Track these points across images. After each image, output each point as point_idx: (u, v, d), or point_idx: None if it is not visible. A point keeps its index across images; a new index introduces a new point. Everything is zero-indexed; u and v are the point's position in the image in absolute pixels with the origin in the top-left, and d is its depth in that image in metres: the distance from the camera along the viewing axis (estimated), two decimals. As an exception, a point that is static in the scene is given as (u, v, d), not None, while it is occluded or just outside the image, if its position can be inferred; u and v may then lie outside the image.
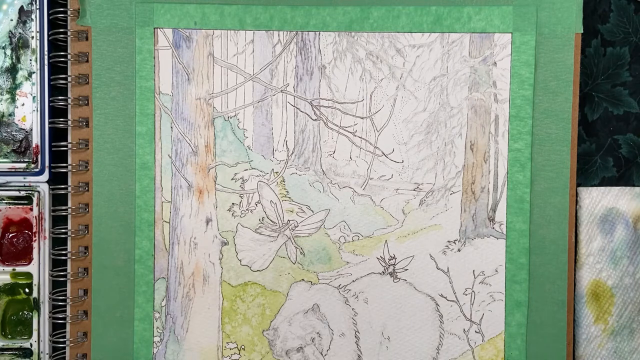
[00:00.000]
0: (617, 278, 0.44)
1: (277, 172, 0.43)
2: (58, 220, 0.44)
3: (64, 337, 0.43)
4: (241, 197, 0.43)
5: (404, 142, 0.43)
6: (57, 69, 0.43)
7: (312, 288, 0.44)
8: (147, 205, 0.43)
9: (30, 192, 0.43)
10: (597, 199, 0.44)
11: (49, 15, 0.42)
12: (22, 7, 0.43)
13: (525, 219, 0.43)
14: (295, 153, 0.43)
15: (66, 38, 0.42)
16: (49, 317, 0.43)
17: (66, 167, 0.43)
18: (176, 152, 0.43)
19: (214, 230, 0.43)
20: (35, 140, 0.43)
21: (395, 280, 0.44)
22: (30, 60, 0.43)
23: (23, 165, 0.43)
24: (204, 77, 0.43)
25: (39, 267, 0.43)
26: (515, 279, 0.43)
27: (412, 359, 0.44)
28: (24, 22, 0.43)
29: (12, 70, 0.43)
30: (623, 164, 0.45)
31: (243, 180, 0.43)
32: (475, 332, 0.44)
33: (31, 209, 0.43)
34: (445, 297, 0.44)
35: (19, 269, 0.43)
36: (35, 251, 0.43)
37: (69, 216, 0.43)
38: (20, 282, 0.43)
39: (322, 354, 0.44)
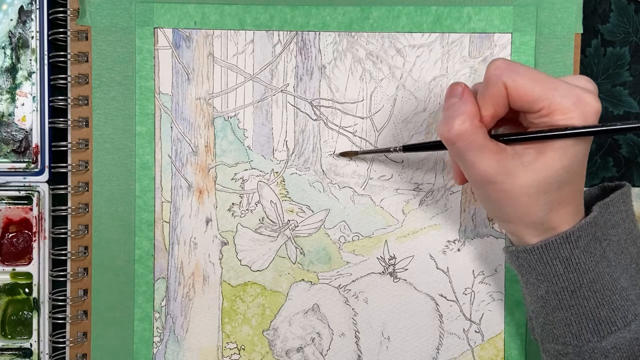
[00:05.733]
0: (617, 278, 0.44)
1: (277, 172, 0.43)
2: (58, 220, 0.44)
3: (64, 337, 0.43)
4: (241, 197, 0.43)
5: (404, 142, 0.43)
6: (57, 69, 0.43)
7: (312, 288, 0.44)
8: (147, 205, 0.43)
9: (30, 192, 0.43)
10: (596, 199, 0.44)
11: (48, 15, 0.42)
12: (22, 7, 0.43)
13: (525, 219, 0.43)
14: (295, 153, 0.43)
15: (66, 38, 0.42)
16: (49, 317, 0.43)
17: (66, 167, 0.43)
18: (176, 152, 0.43)
19: (214, 230, 0.43)
20: (35, 140, 0.43)
21: (395, 280, 0.44)
22: (30, 60, 0.43)
23: (23, 165, 0.43)
24: (204, 77, 0.43)
25: (38, 267, 0.43)
26: (514, 278, 0.43)
27: (412, 359, 0.44)
28: (24, 22, 0.43)
29: (12, 70, 0.43)
30: (623, 164, 0.45)
31: (243, 180, 0.43)
32: (475, 331, 0.44)
33: (31, 209, 0.43)
34: (445, 297, 0.44)
35: (18, 269, 0.43)
36: (35, 251, 0.43)
37: (69, 216, 0.43)
38: (20, 282, 0.43)
39: (322, 354, 0.44)
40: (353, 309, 0.44)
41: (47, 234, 0.43)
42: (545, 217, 0.33)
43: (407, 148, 0.39)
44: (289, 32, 0.43)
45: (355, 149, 0.43)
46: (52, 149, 0.43)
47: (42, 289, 0.43)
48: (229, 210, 0.43)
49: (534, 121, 0.32)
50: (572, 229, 0.33)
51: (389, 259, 0.44)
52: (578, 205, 0.34)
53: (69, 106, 0.43)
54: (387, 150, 0.41)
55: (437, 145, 0.36)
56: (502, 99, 0.32)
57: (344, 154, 0.43)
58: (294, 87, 0.43)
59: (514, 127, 0.35)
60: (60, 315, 0.43)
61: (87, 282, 0.43)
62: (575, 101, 0.31)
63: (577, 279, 0.33)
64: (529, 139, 0.32)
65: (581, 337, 0.34)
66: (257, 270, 0.44)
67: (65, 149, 0.43)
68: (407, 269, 0.44)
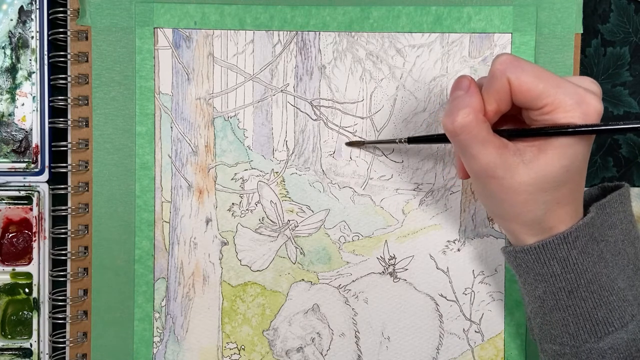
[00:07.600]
0: (617, 278, 0.44)
1: (277, 172, 0.43)
2: (58, 220, 0.44)
3: (64, 337, 0.43)
4: (241, 197, 0.43)
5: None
6: (57, 69, 0.43)
7: (312, 288, 0.44)
8: (147, 205, 0.43)
9: (30, 192, 0.43)
10: (596, 199, 0.44)
11: (48, 15, 0.42)
12: (22, 7, 0.43)
13: (525, 219, 0.43)
14: (295, 153, 0.43)
15: (66, 38, 0.42)
16: (49, 317, 0.43)
17: (66, 167, 0.43)
18: (176, 152, 0.43)
19: (214, 230, 0.43)
20: (35, 140, 0.43)
21: (395, 280, 0.44)
22: (30, 60, 0.43)
23: (23, 165, 0.43)
24: (204, 77, 0.43)
25: (38, 267, 0.43)
26: (514, 278, 0.43)
27: (412, 359, 0.44)
28: (24, 22, 0.43)
29: (12, 70, 0.43)
30: (623, 164, 0.45)
31: (243, 180, 0.43)
32: (475, 331, 0.44)
33: (31, 209, 0.43)
34: (445, 297, 0.44)
35: (18, 269, 0.43)
36: (35, 251, 0.43)
37: (69, 216, 0.43)
38: (20, 282, 0.43)
39: (322, 354, 0.44)
40: (353, 309, 0.44)
41: (47, 234, 0.43)
42: (542, 217, 0.33)
43: (411, 140, 0.39)
44: (289, 32, 0.43)
45: (355, 149, 0.43)
46: (52, 149, 0.43)
47: (42, 289, 0.43)
48: (229, 210, 0.43)
49: (536, 118, 0.32)
50: (569, 229, 0.33)
51: (389, 259, 0.44)
52: (577, 206, 0.34)
53: (69, 106, 0.43)
54: (393, 142, 0.41)
55: (442, 139, 0.36)
56: (506, 94, 0.32)
57: (350, 144, 0.43)
58: (294, 87, 0.43)
59: (517, 125, 0.35)
60: (60, 315, 0.43)
61: (87, 282, 0.43)
62: (578, 100, 0.31)
63: (575, 280, 0.33)
64: (531, 134, 0.32)
65: (578, 338, 0.34)
66: (257, 270, 0.44)
67: (65, 149, 0.43)
68: (407, 269, 0.44)
